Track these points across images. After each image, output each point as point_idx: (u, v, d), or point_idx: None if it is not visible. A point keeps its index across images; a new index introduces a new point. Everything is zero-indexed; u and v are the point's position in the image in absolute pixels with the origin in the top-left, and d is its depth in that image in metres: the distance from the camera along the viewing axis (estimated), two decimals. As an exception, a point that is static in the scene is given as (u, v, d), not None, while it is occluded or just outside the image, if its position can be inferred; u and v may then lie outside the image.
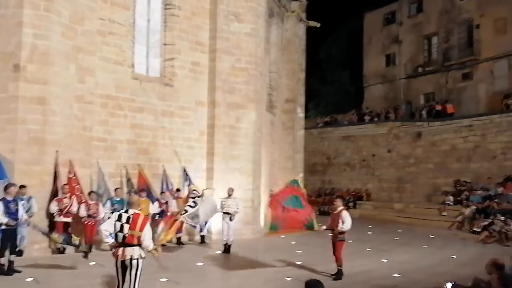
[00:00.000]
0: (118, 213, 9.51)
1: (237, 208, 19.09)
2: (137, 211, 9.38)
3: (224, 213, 18.89)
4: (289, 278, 13.99)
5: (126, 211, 9.41)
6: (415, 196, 37.47)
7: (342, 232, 14.35)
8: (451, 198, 31.46)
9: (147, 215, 9.71)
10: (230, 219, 18.83)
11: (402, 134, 39.99)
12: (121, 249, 9.18)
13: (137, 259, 9.18)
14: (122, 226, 9.14)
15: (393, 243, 22.81)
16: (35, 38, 16.73)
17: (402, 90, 46.95)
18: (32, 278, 12.86)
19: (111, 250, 9.60)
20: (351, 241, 17.75)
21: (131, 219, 9.14)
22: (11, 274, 13.20)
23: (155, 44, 22.23)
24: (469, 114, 36.76)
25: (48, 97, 16.93)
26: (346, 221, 14.28)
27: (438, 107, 39.16)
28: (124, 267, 9.22)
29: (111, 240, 9.35)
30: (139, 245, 9.22)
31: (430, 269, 16.17)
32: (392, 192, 39.86)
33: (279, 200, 15.47)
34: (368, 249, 20.36)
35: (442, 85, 42.81)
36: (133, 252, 9.15)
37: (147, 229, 9.26)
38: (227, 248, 18.75)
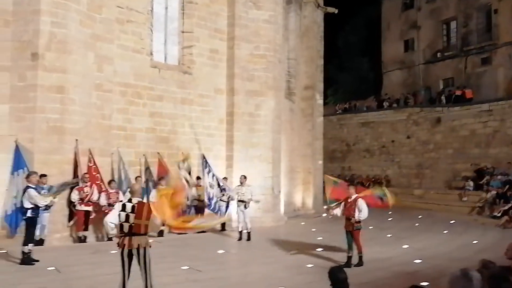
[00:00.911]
0: (121, 203, 9.47)
1: (252, 196, 19.12)
2: (141, 200, 9.34)
3: (239, 201, 18.96)
4: (310, 265, 13.95)
5: (130, 200, 9.36)
6: (435, 182, 37.32)
7: (359, 221, 14.25)
8: (471, 183, 31.36)
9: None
10: (245, 207, 18.86)
11: (421, 120, 39.83)
12: (127, 238, 9.11)
13: (145, 247, 9.15)
14: (127, 216, 9.09)
15: (413, 229, 22.75)
16: (53, 26, 16.70)
17: (421, 76, 46.66)
18: (53, 267, 12.86)
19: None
20: (371, 227, 17.75)
21: (136, 208, 9.10)
22: (33, 264, 13.23)
23: (173, 32, 22.21)
24: (488, 99, 36.50)
25: (66, 85, 16.95)
26: (363, 210, 14.11)
27: (458, 92, 38.91)
28: (130, 256, 9.17)
29: (115, 232, 9.30)
30: (146, 233, 9.19)
31: (451, 255, 16.07)
32: (412, 178, 39.76)
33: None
34: (388, 235, 20.33)
35: (461, 70, 42.47)
36: (140, 241, 9.11)
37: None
38: (247, 236, 18.71)
